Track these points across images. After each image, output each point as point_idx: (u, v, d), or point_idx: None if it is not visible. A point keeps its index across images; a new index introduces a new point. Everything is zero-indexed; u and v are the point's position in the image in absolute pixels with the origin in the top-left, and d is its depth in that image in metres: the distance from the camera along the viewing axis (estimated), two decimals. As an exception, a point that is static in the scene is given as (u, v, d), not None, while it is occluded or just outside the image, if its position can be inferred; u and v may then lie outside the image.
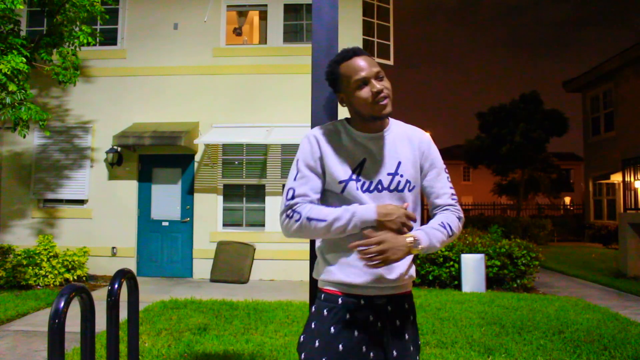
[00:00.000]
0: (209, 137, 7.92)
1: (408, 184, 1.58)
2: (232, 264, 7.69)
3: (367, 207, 1.48)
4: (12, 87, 6.06)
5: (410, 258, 1.57)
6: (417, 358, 1.60)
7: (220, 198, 8.29)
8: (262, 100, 8.28)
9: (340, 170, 1.55)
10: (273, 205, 8.15)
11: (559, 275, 9.22)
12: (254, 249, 7.87)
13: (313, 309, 1.60)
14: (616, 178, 14.22)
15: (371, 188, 1.55)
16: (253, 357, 3.78)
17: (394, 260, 1.42)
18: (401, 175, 1.57)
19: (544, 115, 19.14)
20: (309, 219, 1.48)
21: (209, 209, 8.22)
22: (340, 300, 1.54)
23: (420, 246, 1.46)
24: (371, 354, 1.51)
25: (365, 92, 1.51)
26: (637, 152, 11.43)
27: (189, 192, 8.32)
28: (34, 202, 8.36)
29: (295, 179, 1.56)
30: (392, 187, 1.56)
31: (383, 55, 9.27)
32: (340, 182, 1.54)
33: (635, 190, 9.68)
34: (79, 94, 8.36)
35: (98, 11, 6.79)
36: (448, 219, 1.59)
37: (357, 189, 1.53)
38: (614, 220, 15.03)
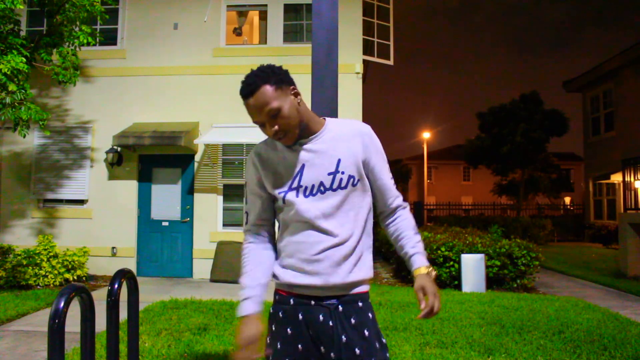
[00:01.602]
0: (209, 137, 7.92)
1: (352, 179, 1.58)
2: (232, 264, 7.69)
3: (241, 309, 1.57)
4: (12, 87, 6.06)
5: (353, 259, 1.57)
6: (387, 355, 1.59)
7: (221, 198, 8.29)
8: (262, 100, 8.27)
9: (278, 183, 1.60)
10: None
11: (559, 276, 9.22)
12: (254, 249, 7.86)
13: (271, 311, 1.64)
14: (616, 178, 14.22)
15: (314, 191, 1.57)
16: (253, 357, 3.77)
17: (439, 301, 1.56)
18: (342, 172, 1.57)
19: (544, 115, 19.14)
20: (242, 263, 1.67)
21: (209, 209, 8.22)
22: (292, 301, 1.59)
23: (433, 270, 1.65)
24: (332, 354, 1.52)
25: (266, 131, 1.57)
26: (637, 152, 11.43)
27: (189, 192, 8.32)
28: (33, 202, 8.36)
29: (246, 202, 1.73)
30: (334, 186, 1.57)
31: (383, 55, 9.27)
32: (280, 192, 1.59)
33: (636, 190, 9.67)
34: (79, 94, 8.36)
35: (98, 11, 6.79)
36: (411, 220, 1.72)
37: (297, 196, 1.57)
38: (614, 220, 15.03)
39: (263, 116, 1.52)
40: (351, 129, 1.63)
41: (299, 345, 1.55)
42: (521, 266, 7.12)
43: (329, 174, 1.57)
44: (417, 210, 19.54)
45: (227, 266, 7.69)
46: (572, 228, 20.02)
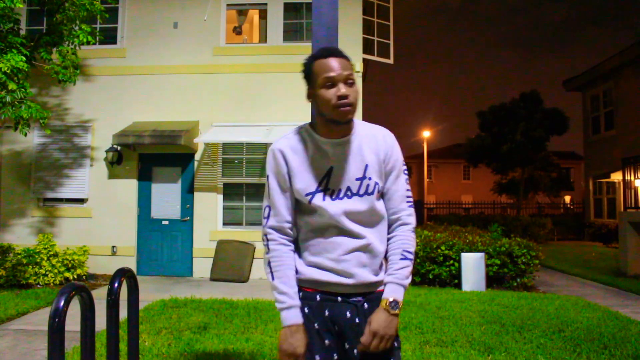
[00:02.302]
0: (209, 136, 7.92)
1: (377, 186, 1.60)
2: (232, 262, 7.67)
3: (289, 319, 1.52)
4: (12, 86, 6.05)
5: (378, 261, 1.61)
6: (399, 354, 1.64)
7: (220, 197, 8.29)
8: (262, 99, 8.28)
9: (306, 183, 1.58)
10: (273, 204, 8.13)
11: (559, 274, 9.22)
12: (254, 248, 7.84)
13: None
14: (616, 177, 14.21)
15: (340, 195, 1.57)
16: (253, 355, 3.78)
17: (395, 330, 1.54)
18: (369, 178, 1.59)
19: (544, 114, 19.15)
20: (268, 264, 1.59)
21: (209, 207, 8.22)
22: (318, 297, 1.59)
23: (399, 303, 1.56)
24: (355, 351, 1.55)
25: (329, 93, 1.51)
26: (637, 151, 11.43)
27: (189, 191, 8.32)
28: (33, 201, 8.37)
29: (269, 196, 1.62)
30: (361, 192, 1.58)
31: (383, 54, 9.27)
32: (307, 194, 1.57)
33: (636, 189, 9.67)
34: (79, 93, 8.35)
35: (98, 10, 6.78)
36: (405, 243, 1.61)
37: (324, 199, 1.57)
38: (614, 219, 15.02)
39: (340, 74, 1.51)
40: (377, 135, 1.64)
41: (326, 341, 1.56)
42: (521, 265, 7.12)
43: (357, 179, 1.59)
44: (417, 209, 19.46)
45: (227, 265, 7.67)
46: (572, 227, 20.03)
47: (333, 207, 1.56)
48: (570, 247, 14.83)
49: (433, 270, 7.18)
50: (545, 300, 6.06)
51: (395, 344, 1.62)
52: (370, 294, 1.60)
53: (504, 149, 19.14)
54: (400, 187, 1.65)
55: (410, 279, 1.61)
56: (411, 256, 1.61)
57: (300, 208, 1.63)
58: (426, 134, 28.49)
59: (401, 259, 1.59)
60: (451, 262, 7.12)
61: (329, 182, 1.58)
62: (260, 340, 4.16)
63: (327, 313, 1.57)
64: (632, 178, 9.74)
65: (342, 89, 1.50)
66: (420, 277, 7.33)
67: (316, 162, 1.59)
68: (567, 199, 27.23)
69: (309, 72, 1.57)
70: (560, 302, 5.95)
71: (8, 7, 5.91)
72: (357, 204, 1.57)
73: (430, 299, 5.99)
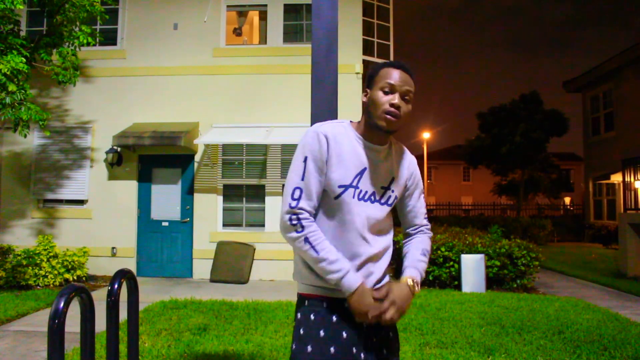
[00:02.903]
0: (209, 137, 7.92)
1: (395, 200, 1.68)
2: (232, 264, 7.69)
3: (353, 282, 1.49)
4: (11, 87, 6.05)
5: (386, 265, 1.66)
6: (398, 355, 1.69)
7: (220, 198, 8.29)
8: (262, 100, 8.28)
9: (343, 174, 1.56)
10: (273, 206, 8.15)
11: (559, 276, 9.22)
12: (254, 249, 7.87)
13: (299, 316, 1.61)
14: (616, 178, 14.22)
15: (365, 197, 1.60)
16: (253, 357, 3.78)
17: (406, 310, 1.55)
18: (392, 191, 1.66)
19: (544, 115, 19.15)
20: (307, 240, 1.51)
21: (209, 209, 8.22)
22: (325, 304, 1.58)
23: (418, 286, 1.60)
24: (362, 355, 1.54)
25: (384, 98, 1.55)
26: (637, 152, 11.43)
27: (188, 192, 8.32)
28: (33, 202, 8.36)
29: (302, 178, 1.54)
30: (382, 200, 1.63)
31: (383, 55, 9.27)
32: (340, 186, 1.55)
33: (635, 191, 9.67)
34: (79, 94, 8.35)
35: (98, 11, 6.79)
36: (424, 244, 1.74)
37: (353, 196, 1.57)
38: (614, 220, 15.03)
39: (401, 87, 1.55)
40: (406, 155, 1.74)
41: (331, 348, 1.53)
42: (521, 266, 7.12)
43: (382, 187, 1.64)
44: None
45: (227, 266, 7.69)
46: (572, 228, 20.03)
47: (358, 207, 1.58)
48: (570, 249, 14.83)
49: (433, 272, 7.17)
50: (545, 302, 6.05)
51: (397, 345, 1.65)
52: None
53: (504, 150, 19.14)
54: (422, 205, 1.78)
55: (424, 274, 1.68)
56: (428, 258, 1.71)
57: (323, 206, 1.59)
58: (426, 135, 28.50)
59: (422, 254, 1.70)
60: (451, 263, 7.12)
61: (360, 181, 1.59)
62: (260, 342, 4.16)
63: (334, 319, 1.56)
64: (632, 179, 9.74)
65: (397, 99, 1.54)
66: (420, 279, 7.32)
67: (355, 157, 1.59)
68: (567, 200, 27.22)
69: (375, 74, 1.60)
70: (560, 304, 5.95)
71: (8, 8, 5.92)
72: (377, 211, 1.62)
73: (430, 301, 5.99)
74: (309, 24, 8.25)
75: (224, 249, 7.82)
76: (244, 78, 8.38)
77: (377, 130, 1.58)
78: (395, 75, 1.55)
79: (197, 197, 8.26)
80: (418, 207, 1.76)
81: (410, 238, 1.78)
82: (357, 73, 8.26)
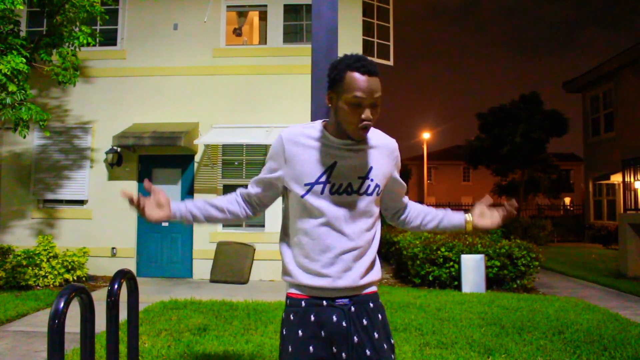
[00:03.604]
0: (209, 137, 7.92)
1: (377, 188, 1.63)
2: (232, 264, 7.69)
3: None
4: (12, 88, 6.06)
5: (371, 258, 1.63)
6: (393, 357, 1.61)
7: (220, 198, 8.27)
8: (262, 101, 8.28)
9: (308, 172, 1.57)
10: (273, 206, 8.07)
11: (559, 276, 9.22)
12: (254, 250, 7.87)
13: (283, 316, 1.64)
14: (616, 178, 14.22)
15: (340, 190, 1.57)
16: (253, 357, 3.78)
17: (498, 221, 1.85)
18: (371, 180, 1.61)
19: (544, 115, 19.15)
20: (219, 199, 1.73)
21: (209, 209, 8.20)
22: (303, 303, 1.58)
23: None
24: (343, 355, 1.53)
25: (353, 112, 1.49)
26: (637, 153, 11.43)
27: (188, 193, 8.32)
28: (33, 202, 8.36)
29: (260, 174, 1.71)
30: (361, 191, 1.59)
31: (383, 56, 9.27)
32: (306, 184, 1.56)
33: (635, 191, 9.68)
34: (79, 95, 8.36)
35: (98, 11, 6.79)
36: (424, 207, 1.87)
37: (323, 192, 1.56)
38: (613, 220, 15.02)
39: (370, 98, 1.49)
40: (386, 143, 1.69)
41: (310, 347, 1.53)
42: (521, 267, 7.12)
43: (359, 177, 1.59)
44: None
45: (227, 267, 7.69)
46: (572, 228, 20.04)
47: (331, 201, 1.56)
48: (570, 249, 14.83)
49: (433, 272, 7.17)
50: (545, 302, 6.05)
51: (385, 346, 1.59)
52: (357, 296, 1.59)
53: (504, 151, 19.14)
54: (402, 185, 1.78)
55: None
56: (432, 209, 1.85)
57: (294, 206, 1.62)
58: (426, 135, 28.51)
59: (430, 209, 1.85)
60: (451, 263, 7.12)
61: (330, 176, 1.57)
62: (260, 342, 4.16)
63: (312, 318, 1.55)
64: (632, 180, 9.74)
65: (368, 112, 1.49)
66: (420, 279, 7.33)
67: (321, 155, 1.58)
68: (567, 200, 27.24)
69: (339, 79, 1.51)
70: (560, 304, 5.95)
71: (8, 8, 5.92)
72: (356, 202, 1.58)
73: (430, 301, 5.98)
74: (309, 24, 8.26)
75: (224, 249, 7.81)
76: (244, 78, 8.38)
77: (349, 137, 1.58)
78: (363, 86, 1.46)
79: (197, 197, 8.25)
80: (397, 191, 1.79)
81: (407, 210, 1.85)
82: (357, 73, 8.25)
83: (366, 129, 1.51)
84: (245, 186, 1.74)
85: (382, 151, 1.65)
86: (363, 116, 1.49)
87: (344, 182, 1.57)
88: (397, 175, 1.72)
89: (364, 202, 1.59)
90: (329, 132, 1.60)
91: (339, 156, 1.58)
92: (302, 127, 1.64)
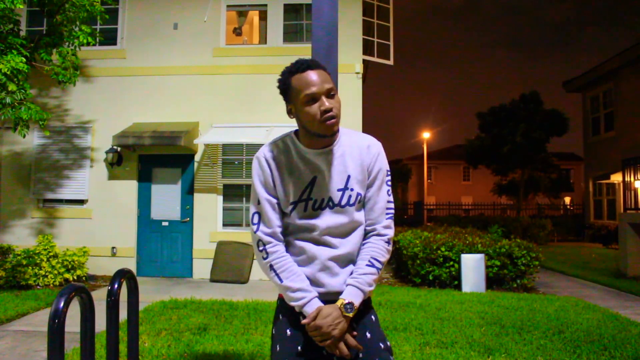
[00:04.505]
0: (209, 137, 7.92)
1: (359, 197, 1.60)
2: (232, 264, 7.69)
3: (311, 306, 1.51)
4: (11, 87, 6.06)
5: (350, 270, 1.60)
6: (391, 358, 1.59)
7: (220, 198, 8.29)
8: (262, 100, 8.28)
9: (290, 192, 1.58)
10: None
11: (559, 275, 9.22)
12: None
13: (274, 317, 1.68)
14: (616, 178, 14.22)
15: (323, 205, 1.58)
16: (253, 357, 3.78)
17: (339, 333, 1.47)
18: (351, 190, 1.59)
19: (544, 115, 19.17)
20: (271, 268, 1.56)
21: (209, 209, 8.22)
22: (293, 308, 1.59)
23: (355, 306, 1.50)
24: (334, 357, 1.54)
25: (313, 109, 1.49)
26: (637, 152, 11.43)
27: (188, 192, 8.32)
28: (33, 202, 8.36)
29: (258, 202, 1.60)
30: (343, 203, 1.58)
31: (383, 55, 9.27)
32: (291, 203, 1.58)
33: (635, 190, 9.67)
34: (79, 94, 8.36)
35: (98, 11, 6.79)
36: (375, 251, 1.59)
37: (306, 209, 1.57)
38: (614, 220, 15.02)
39: (321, 88, 1.48)
40: (361, 145, 1.62)
41: (298, 347, 1.56)
42: (521, 266, 7.12)
43: (339, 190, 1.58)
44: (417, 210, 19.56)
45: (227, 266, 7.69)
46: (572, 228, 20.04)
47: (313, 217, 1.58)
48: (570, 249, 14.82)
49: (433, 272, 7.17)
50: (545, 302, 6.05)
51: (382, 345, 1.58)
52: None
53: (504, 150, 19.16)
54: (381, 199, 1.62)
55: (373, 287, 1.57)
56: (379, 265, 1.57)
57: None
58: (426, 135, 28.49)
59: (367, 265, 1.56)
60: (451, 263, 7.12)
61: (311, 192, 1.58)
62: (260, 342, 4.16)
63: (301, 318, 1.57)
64: (632, 179, 9.74)
65: (326, 102, 1.48)
66: (420, 278, 7.33)
67: (301, 171, 1.58)
68: (567, 200, 27.23)
69: (287, 87, 1.54)
70: (560, 304, 5.95)
71: (8, 8, 5.92)
72: (337, 215, 1.58)
73: (430, 300, 5.98)
74: (309, 24, 8.25)
75: (224, 249, 7.82)
76: (244, 78, 8.38)
77: (320, 138, 1.55)
78: (310, 80, 1.48)
79: (197, 197, 8.26)
80: (374, 201, 1.61)
81: (364, 242, 1.62)
82: (357, 73, 8.26)
83: (331, 119, 1.49)
84: (265, 234, 1.59)
85: (357, 155, 1.61)
86: (322, 108, 1.48)
87: (325, 196, 1.58)
88: (373, 180, 1.61)
89: (347, 214, 1.59)
90: (301, 142, 1.60)
91: (318, 169, 1.58)
92: (274, 145, 1.63)
